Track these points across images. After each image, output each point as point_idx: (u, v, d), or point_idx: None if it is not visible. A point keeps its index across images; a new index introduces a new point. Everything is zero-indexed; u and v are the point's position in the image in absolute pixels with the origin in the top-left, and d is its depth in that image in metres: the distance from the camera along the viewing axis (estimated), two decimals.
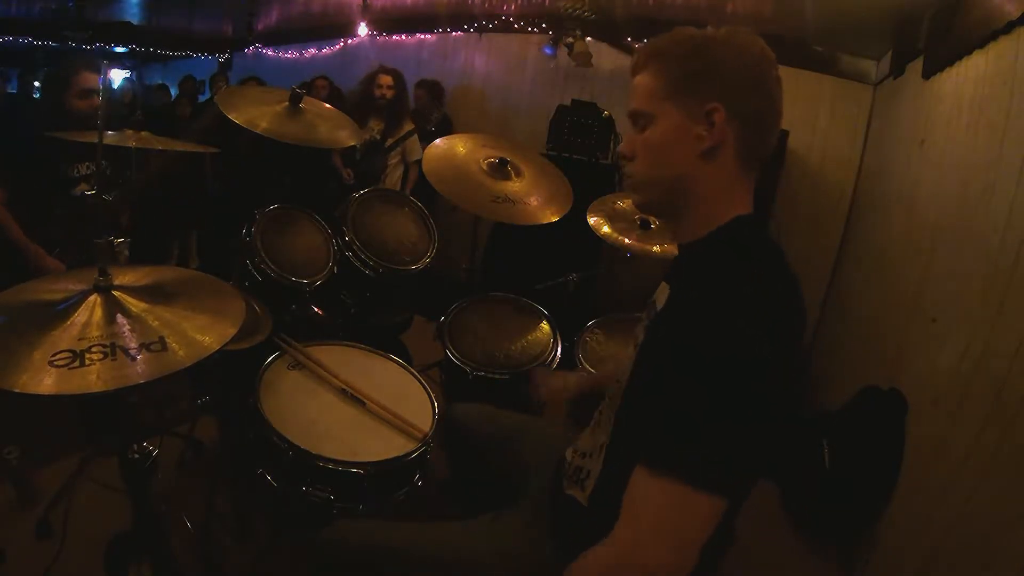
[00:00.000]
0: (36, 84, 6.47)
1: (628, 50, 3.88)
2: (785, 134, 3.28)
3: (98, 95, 1.94)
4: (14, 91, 7.10)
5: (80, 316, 0.87)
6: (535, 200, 1.82)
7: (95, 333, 0.83)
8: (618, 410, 0.84)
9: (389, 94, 3.38)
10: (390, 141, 3.43)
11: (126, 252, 1.42)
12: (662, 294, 0.87)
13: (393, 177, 3.54)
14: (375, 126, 3.43)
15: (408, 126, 3.49)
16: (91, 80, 1.98)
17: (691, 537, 0.66)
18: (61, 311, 0.87)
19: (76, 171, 2.07)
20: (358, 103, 3.42)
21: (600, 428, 0.91)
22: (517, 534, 0.95)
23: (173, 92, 6.46)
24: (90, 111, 1.93)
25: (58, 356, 0.78)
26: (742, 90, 0.79)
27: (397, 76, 3.43)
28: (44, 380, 0.75)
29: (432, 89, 4.27)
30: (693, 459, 0.67)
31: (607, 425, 0.88)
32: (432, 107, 4.17)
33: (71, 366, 0.78)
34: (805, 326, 0.80)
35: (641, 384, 0.80)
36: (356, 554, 0.94)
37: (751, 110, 0.80)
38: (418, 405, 1.33)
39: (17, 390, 0.73)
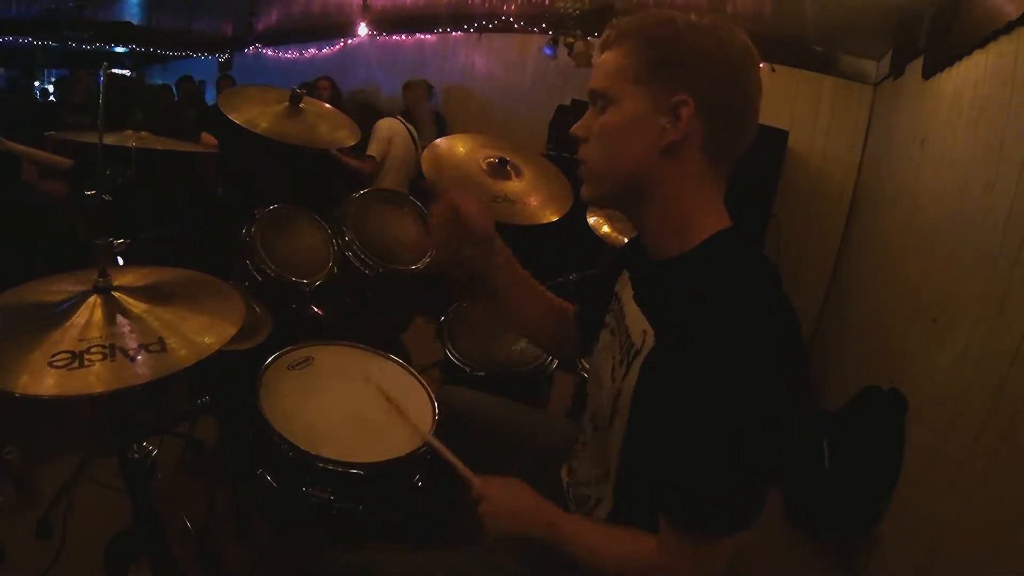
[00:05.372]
0: (37, 84, 6.47)
1: None
2: (785, 134, 3.28)
3: None
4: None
5: (80, 317, 0.86)
6: (535, 200, 1.82)
7: (94, 334, 0.83)
8: (620, 458, 0.81)
9: None
10: None
11: None
12: (637, 323, 0.79)
13: None
14: None
15: None
16: None
17: (721, 563, 0.73)
18: (61, 312, 0.87)
19: None
20: None
21: (594, 459, 0.89)
22: (517, 559, 0.90)
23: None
24: None
25: (57, 357, 0.78)
26: (717, 85, 0.72)
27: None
28: (44, 381, 0.75)
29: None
30: (722, 513, 0.70)
31: (603, 457, 0.86)
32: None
33: (70, 367, 0.78)
34: (806, 354, 0.79)
35: (645, 436, 0.76)
36: None
37: (724, 107, 0.73)
38: (418, 405, 1.33)
39: (17, 391, 0.73)
